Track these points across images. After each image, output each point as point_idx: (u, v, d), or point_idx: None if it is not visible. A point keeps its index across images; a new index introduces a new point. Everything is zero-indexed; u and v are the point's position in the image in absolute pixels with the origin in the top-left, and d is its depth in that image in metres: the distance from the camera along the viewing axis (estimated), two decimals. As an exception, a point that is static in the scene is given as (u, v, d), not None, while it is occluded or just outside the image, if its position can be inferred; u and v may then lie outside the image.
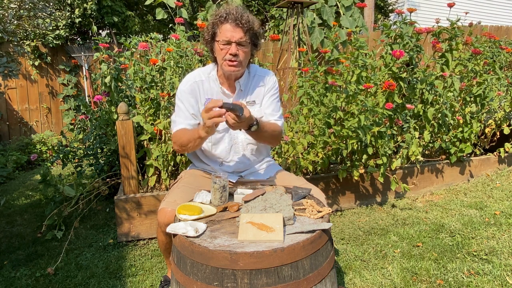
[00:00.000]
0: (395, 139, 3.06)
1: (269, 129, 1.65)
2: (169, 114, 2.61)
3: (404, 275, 2.05)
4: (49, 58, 5.85)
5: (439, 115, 3.18)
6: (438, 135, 3.33)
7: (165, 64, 2.71)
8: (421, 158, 3.16)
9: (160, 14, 4.20)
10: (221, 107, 1.37)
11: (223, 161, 1.78)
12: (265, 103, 1.77)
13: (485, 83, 3.35)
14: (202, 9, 5.04)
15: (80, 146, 3.40)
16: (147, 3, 4.48)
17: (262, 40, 1.83)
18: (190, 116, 1.68)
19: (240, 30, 1.57)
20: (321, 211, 1.35)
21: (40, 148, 5.37)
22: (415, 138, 3.04)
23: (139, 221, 2.53)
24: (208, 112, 1.38)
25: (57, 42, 5.74)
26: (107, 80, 2.90)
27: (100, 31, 6.61)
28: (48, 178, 2.72)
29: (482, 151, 3.82)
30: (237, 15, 1.57)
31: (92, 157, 3.24)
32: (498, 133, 3.77)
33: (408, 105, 2.91)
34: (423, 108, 3.16)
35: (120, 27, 6.46)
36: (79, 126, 3.47)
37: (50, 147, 5.34)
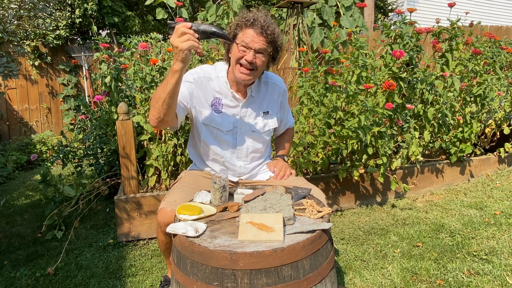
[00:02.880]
0: (395, 139, 3.06)
1: (290, 143, 2.03)
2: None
3: (404, 275, 2.05)
4: (49, 58, 5.85)
5: (439, 115, 3.18)
6: (438, 135, 3.33)
7: (165, 64, 2.71)
8: (421, 158, 3.16)
9: (161, 14, 4.20)
10: (190, 28, 1.32)
11: (225, 161, 1.78)
12: (285, 113, 1.92)
13: (485, 83, 3.35)
14: (202, 9, 5.05)
15: (80, 146, 3.40)
16: (147, 3, 4.48)
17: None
18: (184, 95, 1.61)
19: (263, 39, 1.54)
20: (321, 211, 1.35)
21: (40, 148, 5.37)
22: (415, 138, 3.04)
23: (139, 221, 2.53)
24: (181, 36, 1.31)
25: (57, 42, 5.74)
26: (107, 80, 2.90)
27: (100, 31, 6.61)
28: (48, 178, 2.72)
29: (482, 151, 3.82)
30: (264, 23, 1.53)
31: (92, 157, 3.24)
32: (498, 133, 3.77)
33: (408, 105, 2.91)
34: (423, 108, 3.16)
35: (120, 27, 6.46)
36: (79, 126, 3.47)
37: (50, 147, 5.34)
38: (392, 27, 3.25)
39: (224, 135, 1.71)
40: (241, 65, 1.57)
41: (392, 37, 3.14)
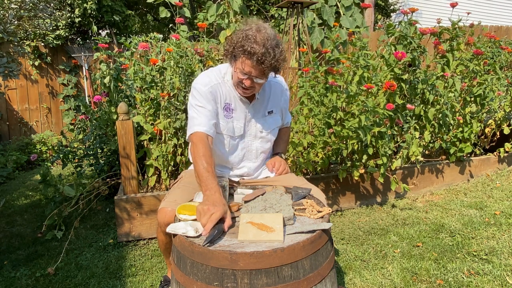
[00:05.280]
0: (395, 139, 3.06)
1: (286, 141, 1.99)
2: (169, 114, 2.61)
3: (404, 275, 2.05)
4: (49, 58, 5.85)
5: (440, 115, 3.18)
6: (439, 135, 3.32)
7: (165, 64, 2.71)
8: (421, 158, 3.16)
9: (163, 13, 4.21)
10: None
11: (233, 167, 1.78)
12: (286, 111, 1.90)
13: (485, 83, 3.35)
14: (203, 9, 5.05)
15: (80, 146, 3.40)
16: (148, 0, 4.48)
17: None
18: (212, 116, 1.63)
19: (261, 69, 1.50)
20: (321, 211, 1.35)
21: (40, 148, 5.37)
22: (416, 138, 3.04)
23: (139, 221, 2.53)
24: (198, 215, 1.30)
25: (57, 42, 5.74)
26: (106, 80, 2.90)
27: (100, 31, 6.61)
28: (48, 178, 2.72)
29: (482, 151, 3.82)
30: (262, 57, 1.46)
31: (92, 157, 3.24)
32: (498, 133, 3.77)
33: (408, 105, 2.91)
34: (423, 108, 3.16)
35: (120, 26, 6.46)
36: (79, 126, 3.47)
37: (50, 147, 5.34)
38: (396, 28, 3.25)
39: (234, 140, 1.72)
40: (242, 88, 1.58)
41: (396, 38, 3.14)
